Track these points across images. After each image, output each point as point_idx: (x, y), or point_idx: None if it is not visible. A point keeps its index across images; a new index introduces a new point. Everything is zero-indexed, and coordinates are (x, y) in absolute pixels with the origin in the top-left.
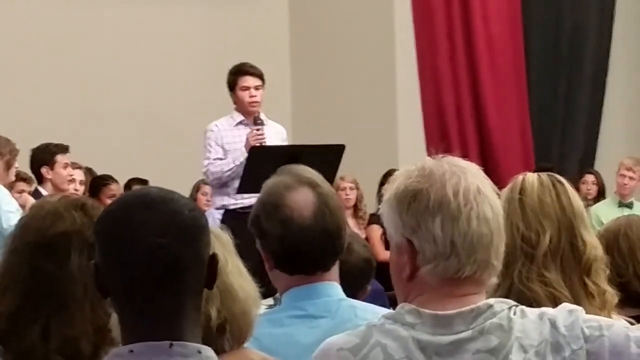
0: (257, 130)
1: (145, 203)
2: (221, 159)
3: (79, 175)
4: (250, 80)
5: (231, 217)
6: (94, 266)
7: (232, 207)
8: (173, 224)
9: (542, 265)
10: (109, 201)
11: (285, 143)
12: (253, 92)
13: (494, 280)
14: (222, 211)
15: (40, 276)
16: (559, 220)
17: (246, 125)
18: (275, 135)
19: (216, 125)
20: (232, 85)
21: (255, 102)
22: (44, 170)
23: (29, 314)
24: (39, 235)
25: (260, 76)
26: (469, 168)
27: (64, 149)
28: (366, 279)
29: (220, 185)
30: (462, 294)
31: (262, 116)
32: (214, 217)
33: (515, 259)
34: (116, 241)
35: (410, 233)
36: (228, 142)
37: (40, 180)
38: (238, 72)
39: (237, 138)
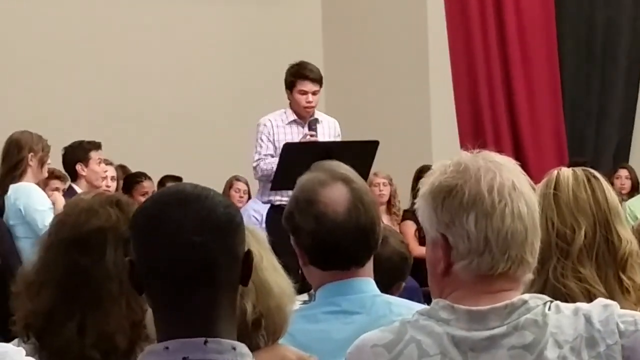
0: (312, 136)
1: (180, 200)
2: (272, 156)
3: (111, 171)
4: (309, 85)
5: (276, 212)
6: (129, 263)
7: (277, 202)
8: (208, 221)
9: (577, 261)
10: (141, 198)
11: (339, 137)
12: (310, 97)
13: (529, 276)
14: (267, 205)
15: (76, 272)
16: (594, 216)
17: (299, 124)
18: (328, 131)
19: (269, 120)
20: (290, 86)
21: (311, 107)
22: (78, 167)
23: (65, 310)
24: (74, 231)
25: (319, 80)
26: (505, 163)
27: (97, 146)
28: (400, 275)
29: (269, 180)
30: (496, 290)
31: (316, 113)
32: (249, 214)
33: (550, 255)
34: (151, 238)
35: (444, 228)
36: (279, 139)
37: (74, 177)
38: (298, 75)
39: (289, 136)
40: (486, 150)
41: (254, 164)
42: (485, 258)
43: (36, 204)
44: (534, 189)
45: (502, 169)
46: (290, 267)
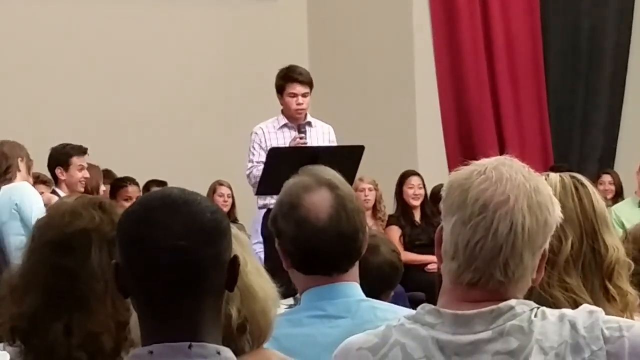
0: (300, 138)
1: (167, 204)
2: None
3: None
4: (298, 88)
5: None
6: (114, 266)
7: (272, 206)
8: (194, 226)
9: (563, 271)
10: (124, 203)
11: (334, 143)
12: (300, 99)
13: (517, 295)
14: (264, 210)
15: (61, 273)
16: (581, 225)
17: (290, 128)
18: (322, 136)
19: (261, 128)
20: (280, 89)
21: (302, 109)
22: (57, 171)
23: (51, 312)
24: (58, 233)
25: (308, 83)
26: (515, 177)
27: (81, 151)
28: (390, 283)
29: None
30: (474, 300)
31: (310, 118)
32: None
33: None
34: (137, 242)
35: (443, 219)
36: (271, 144)
37: (57, 180)
38: (287, 78)
39: (281, 141)
40: (511, 159)
41: (247, 172)
42: (453, 264)
43: (32, 202)
44: (546, 208)
45: (506, 182)
46: (284, 270)
